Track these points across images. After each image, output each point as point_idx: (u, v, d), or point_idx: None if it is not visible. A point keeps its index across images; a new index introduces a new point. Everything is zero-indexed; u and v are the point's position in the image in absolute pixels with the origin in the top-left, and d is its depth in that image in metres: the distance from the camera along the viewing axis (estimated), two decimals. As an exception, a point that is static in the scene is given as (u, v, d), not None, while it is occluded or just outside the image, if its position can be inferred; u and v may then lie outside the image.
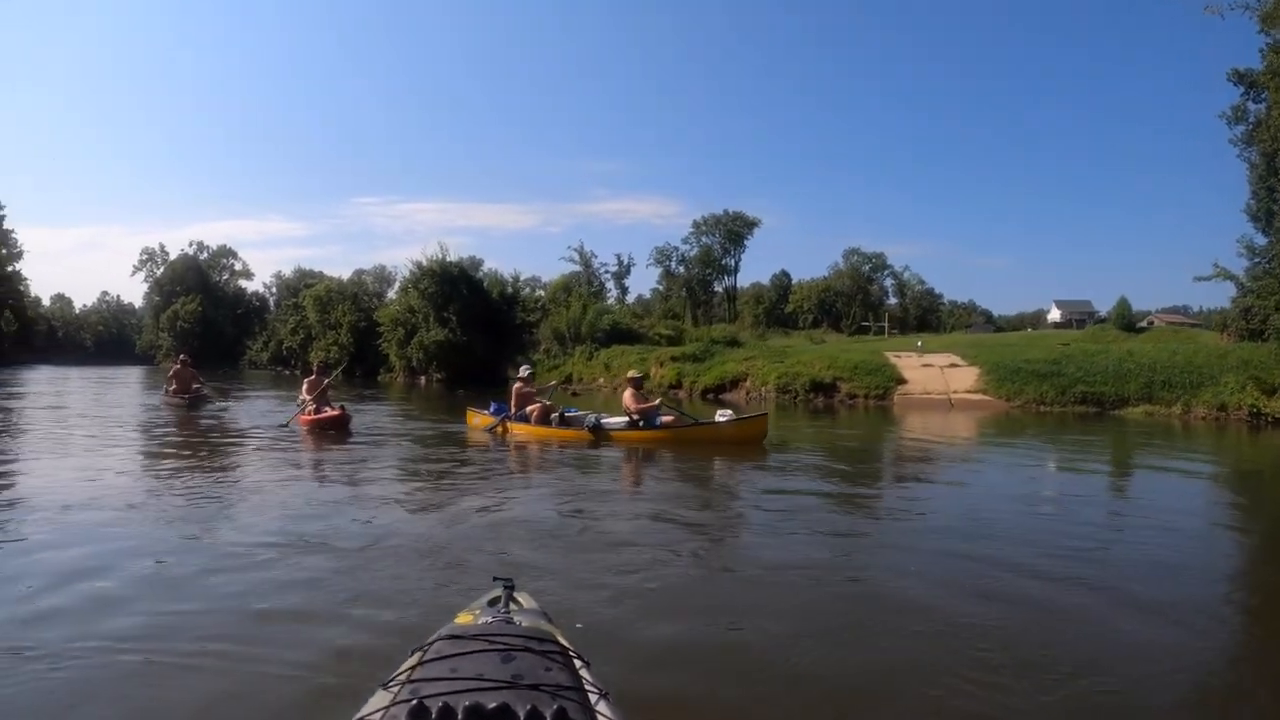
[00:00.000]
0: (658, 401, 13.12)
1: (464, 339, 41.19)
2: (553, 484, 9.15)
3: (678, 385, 30.36)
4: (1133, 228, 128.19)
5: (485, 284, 45.39)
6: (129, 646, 3.72)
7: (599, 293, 63.86)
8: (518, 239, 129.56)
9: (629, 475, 10.12)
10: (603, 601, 4.45)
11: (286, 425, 14.51)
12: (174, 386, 20.00)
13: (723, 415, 12.44)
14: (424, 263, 43.35)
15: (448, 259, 43.47)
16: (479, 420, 14.37)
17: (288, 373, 60.60)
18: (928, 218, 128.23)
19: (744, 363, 30.63)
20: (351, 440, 12.83)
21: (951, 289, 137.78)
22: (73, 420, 16.95)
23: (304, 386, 15.34)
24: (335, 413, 13.85)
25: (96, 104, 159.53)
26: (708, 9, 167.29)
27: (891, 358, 29.16)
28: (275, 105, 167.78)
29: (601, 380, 34.86)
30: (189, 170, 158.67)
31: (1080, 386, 24.18)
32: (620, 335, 40.12)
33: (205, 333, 78.95)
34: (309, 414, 14.22)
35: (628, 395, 12.93)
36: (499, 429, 13.66)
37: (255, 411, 19.46)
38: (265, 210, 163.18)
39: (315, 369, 16.04)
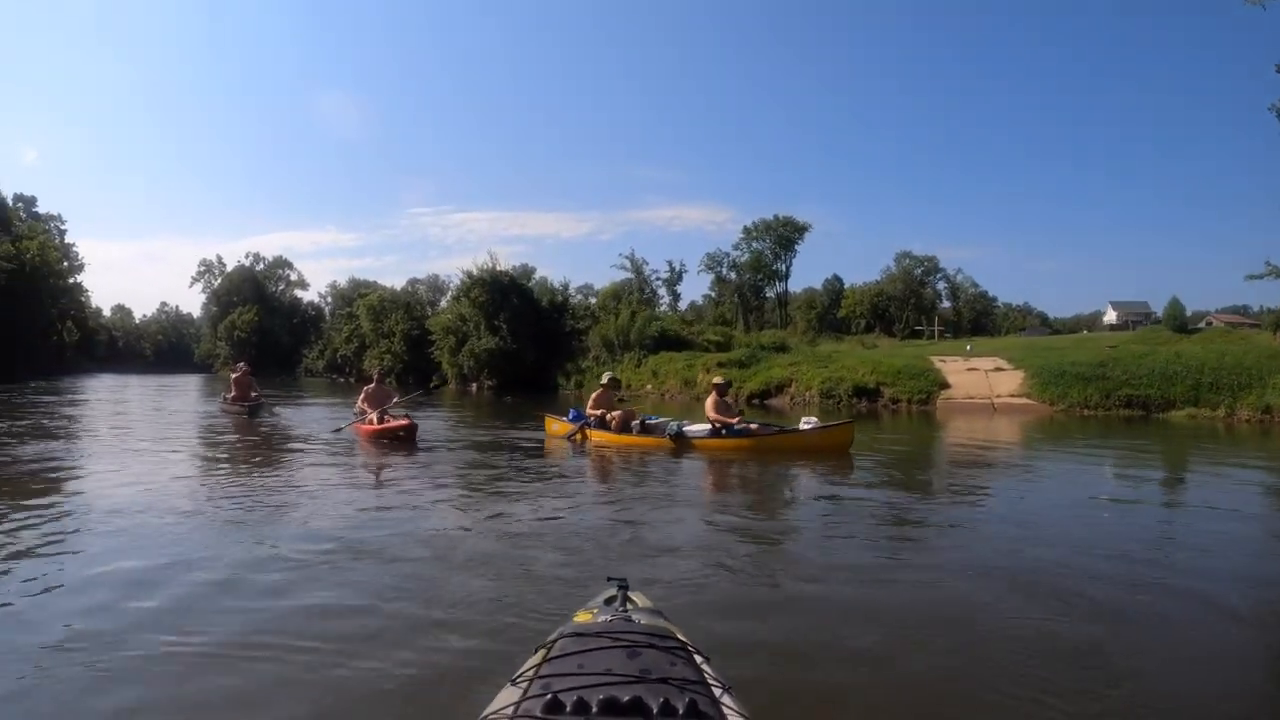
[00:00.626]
0: (736, 420, 12.59)
1: (514, 347, 42.96)
2: (638, 491, 9.25)
3: (724, 391, 31.18)
4: (1191, 226, 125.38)
5: (535, 292, 46.95)
6: (239, 649, 3.85)
7: (650, 300, 64.79)
8: (570, 247, 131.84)
9: (713, 482, 10.22)
10: (705, 601, 4.71)
11: (340, 431, 14.84)
12: (233, 394, 20.30)
13: (807, 423, 12.38)
14: (474, 272, 45.31)
15: (498, 268, 45.30)
16: (558, 427, 14.40)
17: (342, 380, 63.46)
18: (981, 220, 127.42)
19: (789, 368, 31.67)
20: (421, 449, 12.70)
21: (1007, 292, 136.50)
22: (134, 427, 17.29)
23: (361, 395, 15.13)
24: (403, 422, 13.45)
25: (154, 121, 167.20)
26: (760, 18, 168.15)
27: (936, 362, 29.93)
28: (328, 119, 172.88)
29: (650, 386, 36.07)
30: (245, 183, 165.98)
31: (1125, 389, 24.51)
32: (669, 342, 41.18)
33: (262, 342, 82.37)
34: (370, 424, 13.90)
35: (710, 402, 12.75)
36: (578, 436, 13.66)
37: (313, 419, 19.81)
38: (320, 221, 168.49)
39: (374, 377, 15.85)
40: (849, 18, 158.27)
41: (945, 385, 27.48)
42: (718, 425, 12.34)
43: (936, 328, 64.58)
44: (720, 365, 33.70)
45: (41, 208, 71.93)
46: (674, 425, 12.73)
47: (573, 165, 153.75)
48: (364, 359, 60.50)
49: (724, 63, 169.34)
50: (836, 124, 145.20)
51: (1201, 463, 13.99)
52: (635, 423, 13.23)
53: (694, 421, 12.98)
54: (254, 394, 20.19)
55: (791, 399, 29.48)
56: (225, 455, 12.64)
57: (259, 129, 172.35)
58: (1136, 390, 24.37)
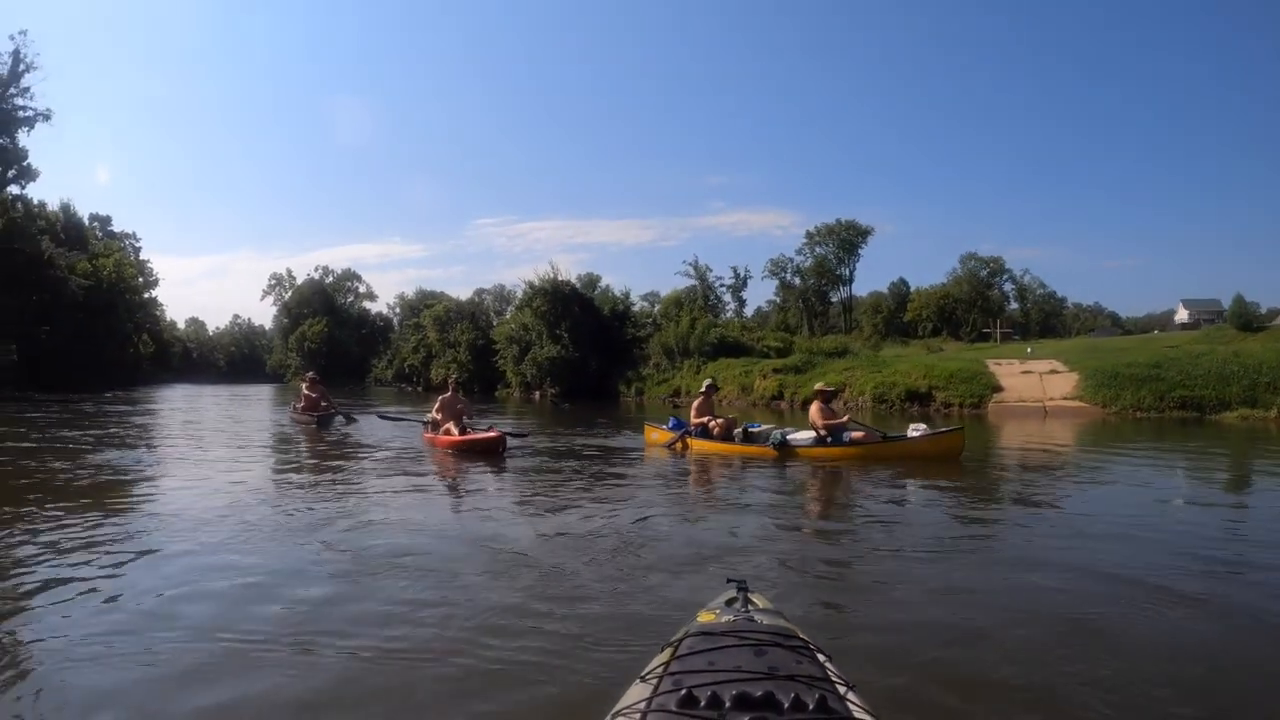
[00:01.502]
0: (845, 419, 12.97)
1: (576, 355, 45.10)
2: (745, 498, 9.46)
3: (779, 396, 32.59)
4: (1270, 219, 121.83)
5: (597, 301, 48.81)
6: (356, 645, 4.03)
7: (715, 307, 66.01)
8: (635, 254, 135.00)
9: (820, 490, 10.28)
10: (821, 603, 4.94)
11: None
12: (302, 404, 20.79)
13: (915, 430, 12.29)
14: (535, 282, 47.55)
15: (559, 278, 47.44)
16: (658, 436, 14.55)
17: (409, 389, 66.84)
18: (1051, 219, 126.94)
19: (843, 373, 32.71)
20: (507, 458, 12.72)
21: (1077, 291, 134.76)
22: (206, 435, 17.74)
23: (435, 405, 15.00)
24: (493, 435, 13.31)
25: (222, 141, 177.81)
26: (824, 21, 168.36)
27: (991, 365, 30.60)
28: (392, 135, 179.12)
29: (707, 393, 37.00)
30: (312, 198, 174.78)
31: (1180, 391, 24.47)
32: (728, 348, 42.70)
33: (331, 352, 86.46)
34: (449, 433, 13.79)
35: (814, 409, 12.68)
36: (679, 445, 13.78)
37: (383, 428, 19.76)
38: (387, 234, 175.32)
39: (450, 385, 15.82)
40: (910, 21, 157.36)
41: (998, 389, 27.94)
42: (823, 433, 12.35)
43: (999, 330, 64.44)
44: (776, 371, 35.22)
45: (116, 226, 76.97)
46: (778, 434, 12.77)
47: (637, 172, 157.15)
48: (431, 368, 63.49)
49: (787, 66, 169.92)
50: (902, 126, 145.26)
51: (1261, 462, 14.10)
52: (737, 431, 13.25)
53: (799, 429, 13.08)
54: (324, 404, 20.64)
55: (845, 403, 30.14)
56: (301, 465, 12.85)
57: (324, 144, 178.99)
58: (1191, 391, 24.28)
